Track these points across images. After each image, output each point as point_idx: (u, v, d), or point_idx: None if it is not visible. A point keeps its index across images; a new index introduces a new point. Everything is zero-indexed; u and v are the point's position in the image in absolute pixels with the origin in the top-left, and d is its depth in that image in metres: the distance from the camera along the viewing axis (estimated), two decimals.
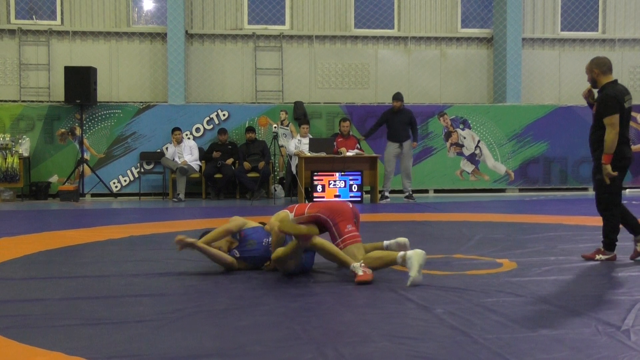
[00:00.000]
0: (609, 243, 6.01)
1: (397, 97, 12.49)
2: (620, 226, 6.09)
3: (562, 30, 15.50)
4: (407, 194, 12.62)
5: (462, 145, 14.22)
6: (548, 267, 5.53)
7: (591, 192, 14.40)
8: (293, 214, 5.40)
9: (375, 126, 12.72)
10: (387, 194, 12.53)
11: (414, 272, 4.79)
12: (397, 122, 12.44)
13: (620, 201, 6.04)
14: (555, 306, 4.19)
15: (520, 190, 14.45)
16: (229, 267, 5.39)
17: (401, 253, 4.97)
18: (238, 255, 5.44)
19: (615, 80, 5.98)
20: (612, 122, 5.78)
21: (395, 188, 13.05)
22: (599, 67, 5.94)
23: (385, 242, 5.66)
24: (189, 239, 5.24)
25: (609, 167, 5.82)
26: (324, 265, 5.51)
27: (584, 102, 15.08)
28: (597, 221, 6.37)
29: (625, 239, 6.08)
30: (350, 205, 5.52)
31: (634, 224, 6.04)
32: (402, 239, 5.63)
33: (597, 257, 5.99)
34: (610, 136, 5.78)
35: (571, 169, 14.52)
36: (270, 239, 5.37)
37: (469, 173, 14.28)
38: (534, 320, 3.87)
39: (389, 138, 12.54)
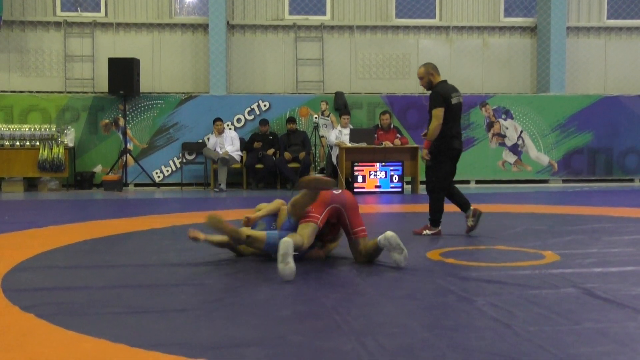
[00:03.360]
0: (435, 220, 6.89)
1: None
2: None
3: (608, 18, 15.20)
4: None
5: (505, 136, 14.07)
6: (592, 259, 5.44)
7: (637, 184, 14.18)
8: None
9: None
10: None
11: None
12: None
13: (448, 186, 6.92)
14: (600, 299, 4.13)
15: (564, 181, 14.25)
16: (238, 242, 5.40)
17: None
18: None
19: (445, 80, 6.98)
20: (436, 115, 6.69)
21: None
22: (434, 70, 6.95)
23: (379, 237, 5.22)
24: (199, 235, 5.44)
25: (425, 152, 6.87)
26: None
27: (630, 92, 14.81)
28: None
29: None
30: (336, 192, 5.33)
31: (463, 202, 6.98)
32: (389, 233, 5.14)
33: (424, 232, 6.85)
34: (433, 126, 6.70)
35: (616, 159, 14.27)
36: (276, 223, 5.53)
37: (511, 164, 14.13)
38: (577, 313, 3.82)
39: None
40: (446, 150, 6.81)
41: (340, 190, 5.43)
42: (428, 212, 6.95)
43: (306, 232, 5.10)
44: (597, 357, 3.09)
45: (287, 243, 4.75)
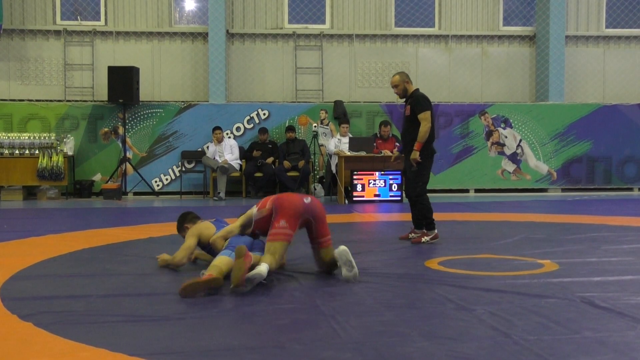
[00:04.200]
0: (430, 223, 6.99)
1: None
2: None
3: (607, 27, 15.24)
4: None
5: (504, 145, 14.08)
6: (591, 268, 5.45)
7: (636, 193, 14.18)
8: (257, 207, 5.32)
9: None
10: None
11: None
12: None
13: (426, 189, 7.11)
14: (599, 308, 4.13)
15: (563, 190, 14.25)
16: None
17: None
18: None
19: (418, 88, 7.10)
20: (425, 117, 6.86)
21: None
22: (408, 78, 7.09)
23: (335, 250, 5.12)
24: (162, 262, 5.64)
25: (417, 154, 6.86)
26: (366, 265, 5.50)
27: (629, 100, 14.84)
28: None
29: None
30: (307, 201, 5.14)
31: (420, 220, 7.10)
32: (342, 247, 5.04)
33: (423, 239, 6.92)
34: (425, 128, 6.84)
35: (615, 168, 14.27)
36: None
37: (510, 172, 14.14)
38: (576, 322, 3.81)
39: None
40: (430, 155, 7.05)
41: (309, 199, 5.20)
42: (422, 218, 7.08)
43: (279, 252, 4.95)
44: None
45: (262, 274, 4.64)
